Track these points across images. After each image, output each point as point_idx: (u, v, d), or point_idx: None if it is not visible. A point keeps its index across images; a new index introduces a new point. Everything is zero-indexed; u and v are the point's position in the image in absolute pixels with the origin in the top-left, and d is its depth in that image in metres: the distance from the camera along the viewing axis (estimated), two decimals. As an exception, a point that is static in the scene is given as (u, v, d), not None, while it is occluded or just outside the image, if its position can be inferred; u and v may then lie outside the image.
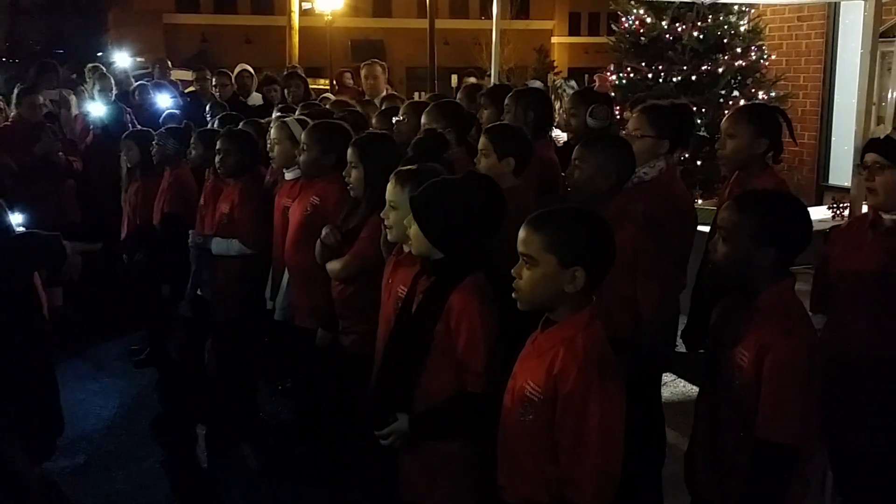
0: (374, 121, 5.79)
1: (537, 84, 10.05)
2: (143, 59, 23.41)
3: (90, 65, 9.25)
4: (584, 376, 2.41)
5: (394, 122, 5.27)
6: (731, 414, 2.73)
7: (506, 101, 5.00)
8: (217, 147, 5.11)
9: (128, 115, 8.35)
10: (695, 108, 8.41)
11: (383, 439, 2.96)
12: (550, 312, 2.56)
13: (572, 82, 9.78)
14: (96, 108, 8.06)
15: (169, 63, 11.24)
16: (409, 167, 3.34)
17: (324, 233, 4.07)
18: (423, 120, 4.83)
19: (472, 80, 10.60)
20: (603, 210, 3.52)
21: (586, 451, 2.40)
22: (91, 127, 7.98)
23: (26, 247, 3.75)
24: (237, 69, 9.52)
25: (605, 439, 2.40)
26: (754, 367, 2.61)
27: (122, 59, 20.53)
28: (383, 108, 6.40)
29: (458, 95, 6.24)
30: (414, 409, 2.95)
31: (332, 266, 4.07)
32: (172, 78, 10.79)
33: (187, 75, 12.80)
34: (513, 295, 2.58)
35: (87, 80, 8.91)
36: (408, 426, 2.92)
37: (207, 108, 7.98)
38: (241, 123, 5.70)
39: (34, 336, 3.76)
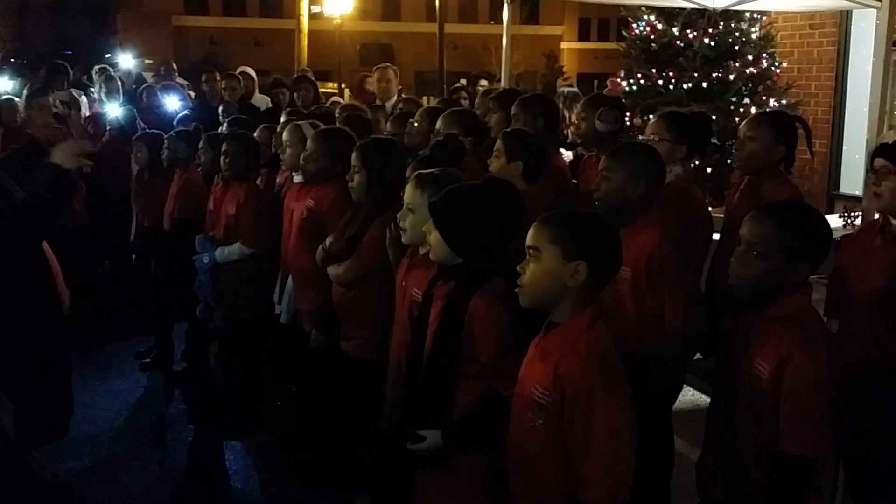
0: (387, 125, 5.78)
1: (574, 89, 9.97)
2: (150, 61, 23.47)
3: (97, 66, 9.27)
4: (589, 376, 2.41)
5: (409, 123, 5.26)
6: (748, 424, 2.70)
7: (513, 110, 4.98)
8: (223, 150, 5.13)
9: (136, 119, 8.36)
10: (707, 113, 8.39)
11: (417, 455, 2.90)
12: (552, 311, 2.56)
13: (564, 89, 9.77)
14: (113, 109, 8.07)
15: (174, 66, 11.28)
16: (429, 171, 3.33)
17: (328, 241, 4.05)
18: (438, 125, 4.82)
19: (484, 82, 10.61)
20: (635, 225, 3.51)
21: (595, 451, 2.40)
22: (108, 128, 7.98)
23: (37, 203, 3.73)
24: (238, 71, 9.54)
25: (613, 438, 2.40)
26: (773, 378, 2.59)
27: (126, 60, 20.58)
28: (398, 110, 6.40)
29: (476, 101, 6.23)
30: (444, 416, 2.90)
31: (334, 271, 4.06)
32: (178, 81, 10.82)
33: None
34: (517, 290, 2.59)
35: (95, 81, 8.93)
36: (441, 441, 2.85)
37: (220, 110, 8.00)
38: (258, 129, 5.72)
39: (51, 324, 3.76)
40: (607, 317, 2.60)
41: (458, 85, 10.40)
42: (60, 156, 3.77)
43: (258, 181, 5.61)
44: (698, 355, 4.38)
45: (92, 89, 8.99)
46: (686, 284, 3.62)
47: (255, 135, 5.62)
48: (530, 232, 2.55)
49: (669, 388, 3.93)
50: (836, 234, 5.49)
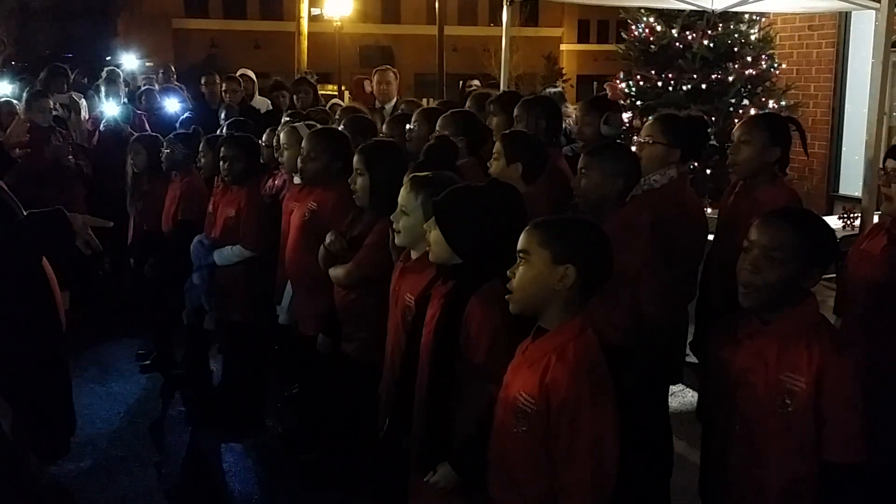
0: (384, 127, 5.79)
1: (558, 90, 10.04)
2: (151, 64, 23.52)
3: (106, 69, 9.29)
4: (576, 385, 2.40)
5: (407, 128, 5.26)
6: (783, 442, 2.62)
7: (515, 112, 4.98)
8: (222, 154, 5.14)
9: (134, 118, 8.36)
10: (705, 117, 8.40)
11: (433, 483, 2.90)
12: (541, 316, 2.55)
13: (549, 90, 9.83)
14: (110, 108, 8.09)
15: (173, 68, 11.29)
16: (423, 174, 3.33)
17: (328, 239, 4.06)
18: (437, 126, 4.83)
19: (476, 83, 10.66)
20: (611, 219, 3.55)
21: (579, 460, 2.39)
22: (103, 125, 7.99)
23: (28, 230, 3.69)
24: (238, 73, 9.55)
25: (598, 449, 2.40)
26: (812, 391, 2.53)
27: (130, 61, 20.62)
28: (397, 113, 6.41)
29: (468, 103, 6.21)
30: (449, 422, 2.89)
31: (336, 272, 4.06)
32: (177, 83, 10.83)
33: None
34: (506, 297, 2.57)
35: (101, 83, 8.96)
36: (453, 472, 2.84)
37: (223, 113, 8.00)
38: (265, 132, 5.72)
39: (48, 332, 3.75)
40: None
41: (472, 88, 10.40)
42: (78, 223, 3.72)
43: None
44: (693, 358, 4.40)
45: (92, 91, 9.00)
46: (661, 280, 3.66)
47: (263, 138, 5.63)
48: (521, 236, 2.55)
49: (659, 383, 3.95)
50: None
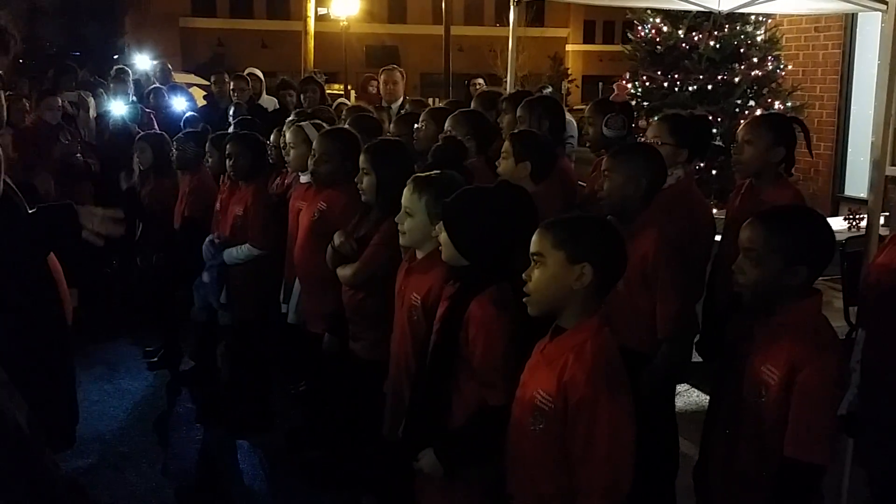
0: (391, 126, 5.80)
1: (548, 90, 10.10)
2: (157, 62, 23.57)
3: (116, 67, 9.32)
4: (593, 384, 2.41)
5: (415, 128, 5.28)
6: (752, 429, 2.69)
7: (518, 112, 5.00)
8: (227, 151, 5.16)
9: (142, 116, 8.39)
10: (710, 118, 8.41)
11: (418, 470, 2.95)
12: (559, 316, 2.56)
13: (545, 91, 9.87)
14: (118, 107, 8.12)
15: (170, 66, 11.31)
16: (426, 174, 3.34)
17: (337, 241, 4.07)
18: (446, 126, 4.84)
19: (480, 81, 10.69)
20: (636, 222, 3.56)
21: (596, 459, 2.40)
22: (111, 123, 8.02)
23: (36, 224, 3.68)
24: (246, 72, 9.57)
25: (615, 448, 2.40)
26: (783, 385, 2.58)
27: (143, 61, 20.64)
28: (402, 112, 6.42)
29: (473, 103, 6.23)
30: (450, 423, 2.92)
31: (344, 272, 4.06)
32: (176, 81, 10.84)
33: (189, 78, 12.82)
34: (524, 300, 2.58)
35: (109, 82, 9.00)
36: (436, 459, 2.88)
37: (231, 111, 8.02)
38: (273, 132, 5.74)
39: (51, 323, 3.77)
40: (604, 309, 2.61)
41: (476, 86, 10.44)
42: (86, 214, 3.67)
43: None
44: (698, 358, 4.41)
45: (101, 90, 9.03)
46: (680, 288, 3.66)
47: (270, 138, 5.66)
48: (534, 238, 2.55)
49: (665, 388, 3.96)
50: (840, 237, 5.54)
